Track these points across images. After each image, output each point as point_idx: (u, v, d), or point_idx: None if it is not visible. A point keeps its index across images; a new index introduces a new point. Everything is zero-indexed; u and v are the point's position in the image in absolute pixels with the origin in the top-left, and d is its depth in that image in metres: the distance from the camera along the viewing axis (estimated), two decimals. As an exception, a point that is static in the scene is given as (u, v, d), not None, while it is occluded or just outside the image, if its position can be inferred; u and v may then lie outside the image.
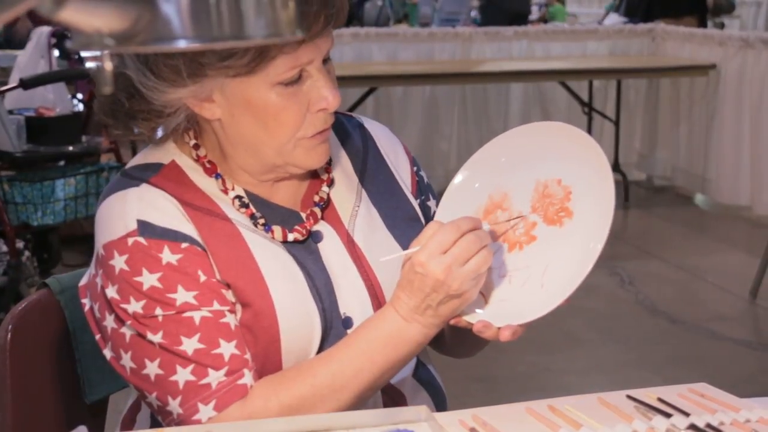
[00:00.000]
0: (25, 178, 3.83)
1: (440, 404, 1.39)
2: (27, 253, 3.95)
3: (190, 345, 1.18)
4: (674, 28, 6.29)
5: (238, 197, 1.27)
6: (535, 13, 10.32)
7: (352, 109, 5.39)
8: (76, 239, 4.48)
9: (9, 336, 1.32)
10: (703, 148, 5.72)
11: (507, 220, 1.25)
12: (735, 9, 10.63)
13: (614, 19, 7.56)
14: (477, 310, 1.22)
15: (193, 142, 1.27)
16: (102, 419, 1.49)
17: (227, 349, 1.19)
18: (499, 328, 1.18)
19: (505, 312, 1.20)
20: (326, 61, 1.21)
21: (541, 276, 1.21)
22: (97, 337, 1.26)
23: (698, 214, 5.81)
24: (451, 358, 1.49)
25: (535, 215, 1.24)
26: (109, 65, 0.69)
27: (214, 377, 1.18)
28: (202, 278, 1.20)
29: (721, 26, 9.35)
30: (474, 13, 9.41)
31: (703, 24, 7.07)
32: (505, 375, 3.40)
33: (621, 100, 6.08)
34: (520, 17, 7.30)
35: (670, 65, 5.88)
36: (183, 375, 1.18)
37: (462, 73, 5.70)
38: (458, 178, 1.29)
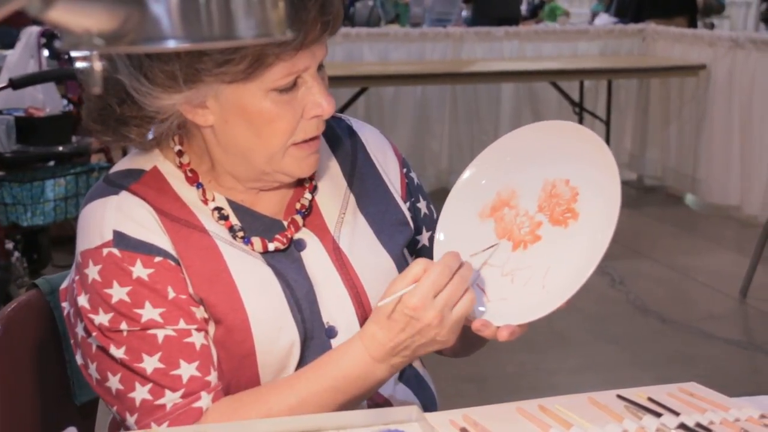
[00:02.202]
0: (14, 179, 3.81)
1: (430, 407, 1.38)
2: (17, 254, 3.93)
3: (150, 363, 1.18)
4: (664, 29, 6.31)
5: (218, 209, 1.25)
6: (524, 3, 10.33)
7: (344, 109, 5.39)
8: (65, 240, 4.45)
9: (-2, 337, 1.31)
10: (694, 148, 5.74)
11: (483, 250, 1.24)
12: (725, 9, 10.68)
13: (605, 20, 7.58)
14: (478, 308, 1.21)
15: (177, 148, 1.26)
16: (92, 420, 1.48)
17: (187, 370, 1.18)
18: (497, 328, 1.17)
19: (505, 311, 1.19)
20: (320, 68, 1.21)
21: (543, 277, 1.20)
22: (72, 342, 1.26)
23: (688, 213, 5.82)
24: (440, 357, 1.48)
25: (541, 215, 1.24)
26: (98, 65, 0.69)
27: (170, 398, 1.18)
28: (171, 295, 1.19)
29: (711, 26, 9.40)
30: (465, 13, 9.41)
31: (693, 24, 7.09)
32: (495, 374, 3.40)
33: (611, 100, 6.09)
34: (507, 22, 7.28)
35: (661, 65, 5.90)
36: (141, 393, 1.18)
37: (453, 73, 5.70)
38: (467, 174, 1.29)
